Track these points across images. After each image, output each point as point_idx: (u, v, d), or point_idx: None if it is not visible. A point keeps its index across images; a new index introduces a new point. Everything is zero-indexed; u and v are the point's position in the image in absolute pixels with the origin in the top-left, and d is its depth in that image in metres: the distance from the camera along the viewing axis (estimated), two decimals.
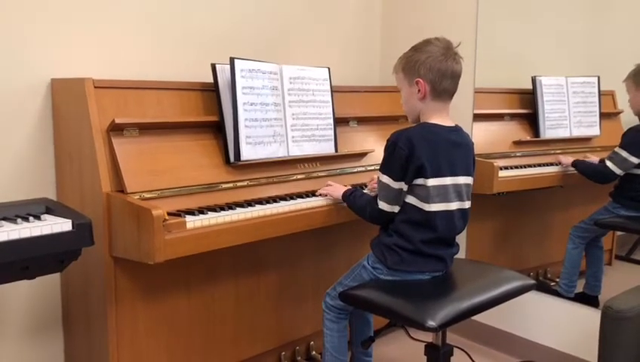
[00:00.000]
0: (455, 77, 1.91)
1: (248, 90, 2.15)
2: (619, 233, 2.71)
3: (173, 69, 2.31)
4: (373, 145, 2.60)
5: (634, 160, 2.40)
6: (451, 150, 1.91)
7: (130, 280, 1.93)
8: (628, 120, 2.45)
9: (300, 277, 2.43)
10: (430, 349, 1.93)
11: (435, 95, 1.90)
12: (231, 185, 2.10)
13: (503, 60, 2.78)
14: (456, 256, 2.01)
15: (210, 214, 1.87)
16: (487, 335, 2.77)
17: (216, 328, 2.18)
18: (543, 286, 2.72)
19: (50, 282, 2.10)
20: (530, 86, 2.74)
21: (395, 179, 1.87)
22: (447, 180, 1.89)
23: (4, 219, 1.54)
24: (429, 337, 1.95)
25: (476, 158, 2.03)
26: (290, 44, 2.74)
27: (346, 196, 2.09)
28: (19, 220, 1.54)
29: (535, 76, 2.73)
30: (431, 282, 1.92)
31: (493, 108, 2.79)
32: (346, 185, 2.20)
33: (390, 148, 1.88)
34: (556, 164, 2.68)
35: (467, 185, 1.96)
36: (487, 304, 1.85)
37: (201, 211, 1.88)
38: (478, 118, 2.74)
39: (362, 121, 2.66)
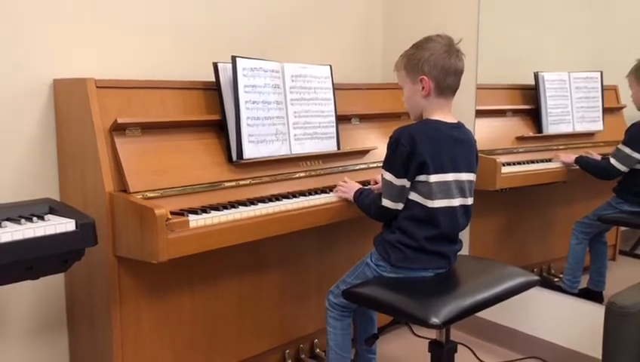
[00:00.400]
0: (458, 73, 1.91)
1: (250, 89, 2.15)
2: (622, 228, 2.70)
3: (175, 68, 2.31)
4: (376, 143, 2.60)
5: (637, 156, 2.39)
6: (453, 146, 1.90)
7: (134, 280, 1.93)
8: (631, 115, 2.44)
9: (302, 275, 2.43)
10: (434, 346, 1.92)
11: (438, 92, 1.90)
12: (233, 183, 2.10)
13: (504, 56, 2.77)
14: (459, 253, 2.01)
15: (213, 213, 1.88)
16: (491, 332, 2.76)
17: (219, 326, 2.19)
18: (546, 282, 2.71)
19: (55, 282, 2.10)
20: (532, 82, 2.73)
21: (398, 176, 1.87)
22: (450, 176, 1.89)
23: (8, 219, 1.54)
24: (432, 334, 1.95)
25: (479, 155, 2.02)
26: (292, 42, 2.74)
27: (356, 196, 2.11)
28: (22, 221, 1.54)
29: (537, 72, 2.72)
30: (434, 279, 1.92)
31: (496, 104, 2.79)
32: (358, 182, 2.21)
33: (392, 145, 1.88)
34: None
35: (470, 181, 1.96)
36: (491, 300, 1.85)
37: (204, 210, 1.88)
38: (480, 114, 2.73)
39: (364, 118, 2.66)
